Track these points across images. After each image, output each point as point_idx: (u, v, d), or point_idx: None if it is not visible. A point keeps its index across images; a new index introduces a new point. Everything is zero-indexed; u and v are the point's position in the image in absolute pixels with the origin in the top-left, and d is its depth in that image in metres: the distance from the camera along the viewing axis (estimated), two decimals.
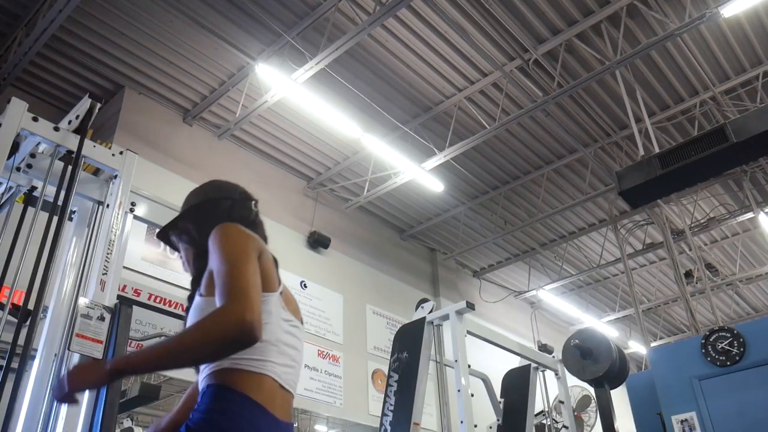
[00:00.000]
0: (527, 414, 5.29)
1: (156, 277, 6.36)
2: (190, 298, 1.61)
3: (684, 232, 9.09)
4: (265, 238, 1.71)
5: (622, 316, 12.49)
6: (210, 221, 1.61)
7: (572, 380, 5.87)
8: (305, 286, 8.03)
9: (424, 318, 4.72)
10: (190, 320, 1.53)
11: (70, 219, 2.81)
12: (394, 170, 8.25)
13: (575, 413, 6.20)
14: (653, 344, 10.77)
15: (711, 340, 5.06)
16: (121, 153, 2.84)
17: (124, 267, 2.81)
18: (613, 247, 10.45)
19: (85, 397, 2.39)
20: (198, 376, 1.52)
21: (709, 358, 5.00)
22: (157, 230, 1.83)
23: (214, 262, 1.46)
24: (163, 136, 7.31)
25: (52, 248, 2.41)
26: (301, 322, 1.64)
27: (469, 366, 4.45)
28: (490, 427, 6.21)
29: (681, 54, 7.35)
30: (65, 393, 1.39)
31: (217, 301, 1.37)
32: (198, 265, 1.65)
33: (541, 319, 12.36)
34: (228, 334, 1.28)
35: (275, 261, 1.62)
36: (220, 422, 1.31)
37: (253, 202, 1.78)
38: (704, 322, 11.48)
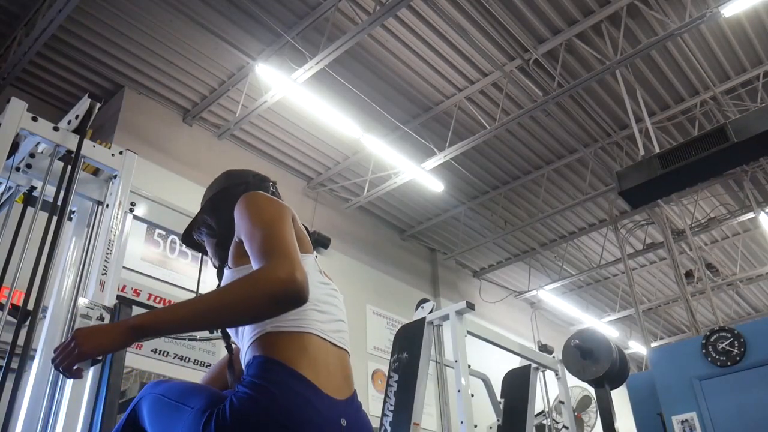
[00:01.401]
0: (527, 414, 5.29)
1: (156, 278, 6.35)
2: (220, 278, 1.60)
3: (684, 232, 9.08)
4: None
5: (623, 317, 12.48)
6: (226, 208, 1.61)
7: (572, 380, 5.86)
8: None
9: (424, 318, 4.72)
10: None
11: (70, 219, 2.80)
12: (394, 170, 8.25)
13: (575, 413, 6.20)
14: (653, 344, 10.76)
15: (711, 340, 5.06)
16: (120, 153, 2.84)
17: (124, 267, 2.80)
18: (613, 247, 10.44)
19: (85, 397, 2.38)
20: (237, 343, 1.48)
21: (709, 359, 5.00)
22: (181, 237, 1.85)
23: (244, 230, 1.39)
24: (162, 136, 7.30)
25: (51, 248, 2.40)
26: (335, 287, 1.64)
27: (469, 366, 4.45)
28: (490, 428, 6.21)
29: (681, 54, 7.35)
30: (72, 359, 1.24)
31: (255, 264, 1.29)
32: (220, 254, 1.66)
33: (541, 319, 12.36)
34: (278, 291, 1.20)
35: (306, 229, 1.65)
36: (267, 402, 1.22)
37: (271, 183, 1.76)
38: (705, 322, 11.47)
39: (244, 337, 1.40)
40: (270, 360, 1.29)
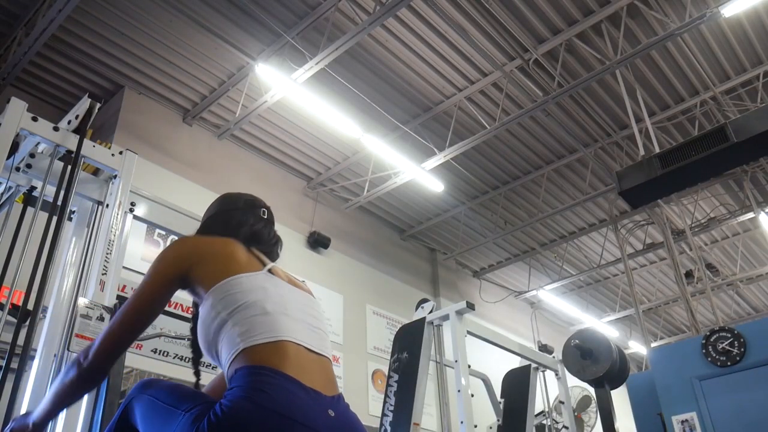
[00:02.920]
0: (527, 414, 5.29)
1: None
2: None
3: (684, 232, 9.08)
4: (271, 244, 1.77)
5: (623, 317, 12.48)
6: (216, 233, 1.72)
7: (572, 380, 5.86)
8: None
9: (424, 318, 4.72)
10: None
11: (70, 219, 2.81)
12: (394, 170, 8.25)
13: (575, 414, 6.20)
14: (653, 344, 10.77)
15: (711, 340, 5.06)
16: (120, 153, 2.84)
17: (124, 267, 2.80)
18: (613, 247, 10.45)
19: (85, 397, 2.39)
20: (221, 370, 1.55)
21: (709, 359, 5.00)
22: None
23: None
24: (162, 136, 7.30)
25: (51, 248, 2.40)
26: (311, 294, 1.70)
27: (469, 366, 4.45)
28: (490, 428, 6.22)
29: (681, 54, 7.35)
30: None
31: None
32: None
33: (541, 319, 12.36)
34: (67, 365, 1.50)
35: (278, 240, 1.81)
36: (257, 398, 1.27)
37: (262, 210, 1.83)
38: (705, 322, 11.48)
39: (221, 361, 1.46)
40: (253, 367, 1.35)
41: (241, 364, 1.36)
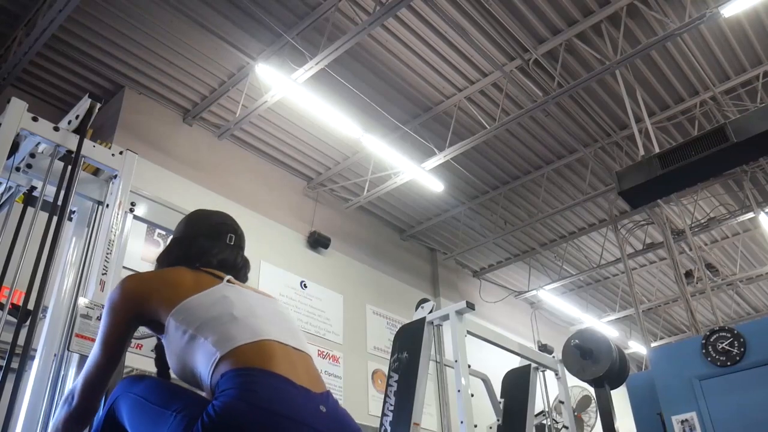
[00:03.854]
0: (527, 414, 5.29)
1: None
2: None
3: (684, 232, 9.08)
4: (236, 269, 1.76)
5: (623, 316, 12.48)
6: (177, 255, 1.75)
7: (572, 380, 5.86)
8: (305, 286, 8.03)
9: (424, 318, 4.72)
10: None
11: (70, 219, 2.81)
12: (394, 170, 8.25)
13: (575, 413, 6.20)
14: (653, 344, 10.77)
15: (711, 340, 5.05)
16: (121, 153, 2.84)
17: (124, 267, 2.80)
18: (613, 247, 10.45)
19: None
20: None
21: (709, 359, 4.99)
22: None
23: None
24: (163, 136, 7.30)
25: (51, 248, 2.40)
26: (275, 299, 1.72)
27: (469, 366, 4.45)
28: (490, 428, 6.21)
29: (681, 54, 7.35)
30: None
31: None
32: None
33: (541, 319, 12.36)
34: (61, 404, 1.59)
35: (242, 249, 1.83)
36: (249, 397, 1.27)
37: (228, 236, 1.81)
38: (704, 322, 11.48)
39: (200, 379, 1.45)
40: (239, 369, 1.33)
41: (226, 368, 1.35)
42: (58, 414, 1.59)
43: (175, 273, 1.61)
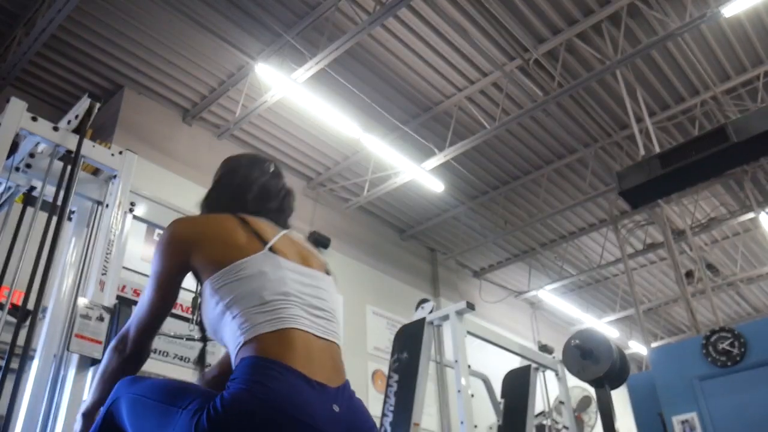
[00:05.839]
0: (527, 414, 5.29)
1: None
2: None
3: (685, 232, 9.07)
4: (280, 198, 1.73)
5: (623, 317, 12.48)
6: (216, 199, 1.73)
7: (573, 381, 5.86)
8: None
9: (424, 318, 4.72)
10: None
11: (70, 219, 2.80)
12: (394, 170, 8.25)
13: (576, 414, 6.19)
14: (654, 344, 10.75)
15: (712, 340, 5.06)
16: (120, 153, 2.84)
17: (124, 267, 2.80)
18: (613, 247, 10.44)
19: (85, 397, 2.39)
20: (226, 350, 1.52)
21: (709, 359, 5.00)
22: None
23: None
24: (162, 135, 7.30)
25: (51, 248, 2.40)
26: (327, 272, 1.63)
27: (469, 366, 4.45)
28: (491, 428, 6.21)
29: (682, 54, 7.34)
30: None
31: None
32: None
33: (542, 320, 12.36)
34: (107, 354, 1.55)
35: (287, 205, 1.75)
36: (259, 392, 1.23)
37: (267, 164, 1.77)
38: (705, 322, 11.46)
39: (228, 346, 1.43)
40: (256, 358, 1.30)
41: (246, 354, 1.33)
42: (106, 364, 1.54)
43: (221, 225, 1.54)
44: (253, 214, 1.62)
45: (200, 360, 1.69)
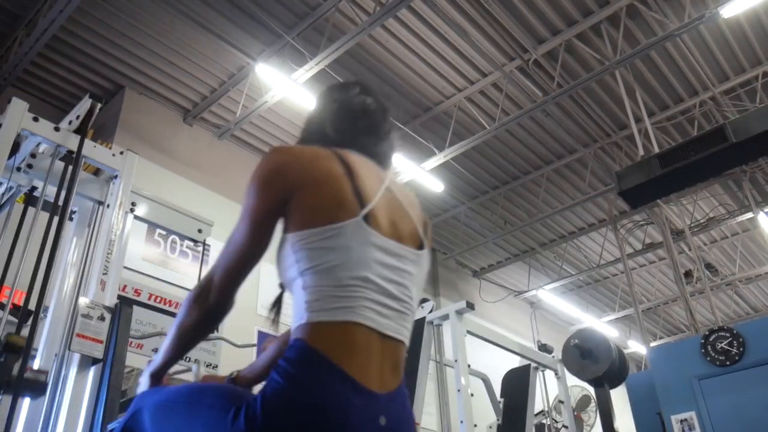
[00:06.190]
0: (527, 414, 5.30)
1: (156, 277, 6.36)
2: None
3: (684, 232, 9.09)
4: (381, 122, 1.52)
5: (622, 316, 12.49)
6: (306, 141, 1.51)
7: (572, 380, 5.87)
8: None
9: (424, 318, 4.73)
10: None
11: (71, 219, 2.82)
12: (394, 170, 8.25)
13: (575, 413, 6.21)
14: (653, 344, 10.77)
15: (710, 340, 5.06)
16: (121, 153, 2.85)
17: (125, 267, 2.82)
18: (612, 247, 10.45)
19: (86, 397, 2.40)
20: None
21: (708, 358, 5.00)
22: None
23: None
24: (163, 136, 7.31)
25: (52, 248, 2.41)
26: (420, 247, 1.39)
27: (469, 366, 4.46)
28: (490, 427, 6.22)
29: (680, 54, 7.36)
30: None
31: None
32: None
33: (541, 319, 12.36)
34: (185, 307, 1.31)
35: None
36: (301, 400, 1.13)
37: (356, 89, 1.55)
38: (704, 322, 11.48)
39: (293, 311, 1.29)
40: (309, 349, 1.19)
41: (303, 335, 1.21)
42: (182, 319, 1.33)
43: (328, 170, 1.31)
44: (348, 146, 1.43)
45: (275, 305, 1.46)
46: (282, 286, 1.40)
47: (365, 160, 1.42)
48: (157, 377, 1.43)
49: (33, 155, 2.72)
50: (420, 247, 1.40)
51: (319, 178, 1.30)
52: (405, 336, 1.31)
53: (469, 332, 4.71)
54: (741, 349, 4.90)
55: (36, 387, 2.25)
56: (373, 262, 1.27)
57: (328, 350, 1.18)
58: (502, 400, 5.57)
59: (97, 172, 2.88)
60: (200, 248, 3.99)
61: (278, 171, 1.32)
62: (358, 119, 1.50)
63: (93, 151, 2.75)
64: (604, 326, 12.12)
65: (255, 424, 1.12)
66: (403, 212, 1.42)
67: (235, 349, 3.97)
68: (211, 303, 1.30)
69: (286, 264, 1.31)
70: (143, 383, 1.44)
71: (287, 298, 1.38)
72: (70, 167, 2.60)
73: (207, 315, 1.32)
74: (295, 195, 1.28)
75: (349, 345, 1.20)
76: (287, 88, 6.75)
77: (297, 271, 1.27)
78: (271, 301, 1.43)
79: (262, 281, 7.52)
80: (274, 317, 1.46)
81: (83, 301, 2.49)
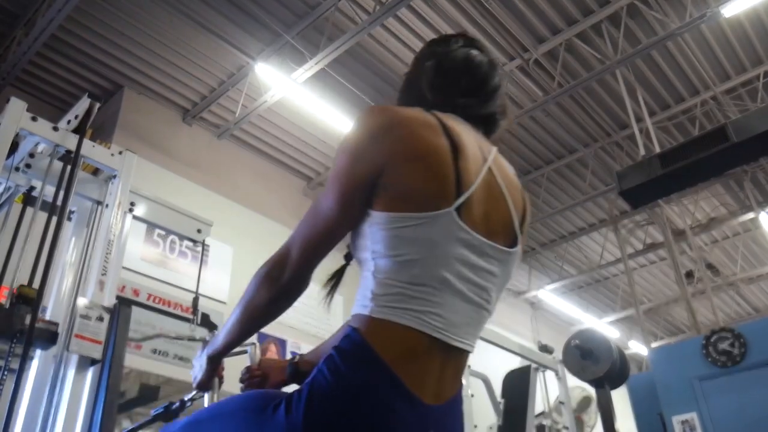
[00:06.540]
0: (527, 415, 5.28)
1: (155, 278, 6.35)
2: None
3: (685, 232, 9.08)
4: (481, 91, 1.32)
5: (623, 317, 12.48)
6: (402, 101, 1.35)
7: (573, 381, 5.86)
8: None
9: None
10: None
11: (69, 219, 2.80)
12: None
13: (576, 414, 6.19)
14: (654, 345, 10.76)
15: (712, 340, 5.05)
16: (120, 153, 2.84)
17: (123, 267, 2.80)
18: (613, 248, 10.44)
19: (84, 397, 2.39)
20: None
21: (709, 359, 4.99)
22: None
23: None
24: (162, 135, 7.29)
25: (51, 248, 2.40)
26: (512, 243, 1.21)
27: (469, 366, 4.44)
28: (491, 428, 6.20)
29: (682, 54, 7.34)
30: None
31: None
32: None
33: (542, 320, 12.35)
34: (255, 285, 1.16)
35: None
36: (346, 404, 1.02)
37: (446, 45, 1.35)
38: (705, 322, 11.47)
39: (358, 291, 1.18)
40: (365, 346, 1.07)
41: (360, 326, 1.10)
42: (251, 297, 1.18)
43: (426, 141, 1.12)
44: (447, 109, 1.25)
45: (334, 278, 1.34)
46: (348, 258, 1.28)
47: (468, 129, 1.23)
48: (216, 361, 1.32)
49: (31, 155, 2.71)
50: (512, 243, 1.22)
51: (420, 153, 1.11)
52: (473, 344, 1.19)
53: None
54: (742, 349, 4.89)
55: (47, 337, 2.30)
56: (456, 260, 1.11)
57: (385, 352, 1.06)
58: (502, 401, 5.55)
59: (95, 171, 2.86)
60: (199, 248, 3.98)
61: (376, 136, 1.14)
62: (460, 76, 1.31)
63: (92, 150, 2.74)
64: (604, 327, 12.12)
65: (295, 422, 1.02)
66: (501, 200, 1.22)
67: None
68: (285, 280, 1.15)
69: (360, 242, 1.17)
70: (199, 366, 1.34)
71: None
72: (69, 167, 2.59)
73: (280, 293, 1.16)
74: (389, 168, 1.10)
75: (409, 351, 1.07)
76: (287, 88, 6.75)
77: (370, 254, 1.13)
78: (330, 273, 1.30)
79: None
80: (330, 290, 1.33)
81: (82, 301, 2.47)
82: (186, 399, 1.62)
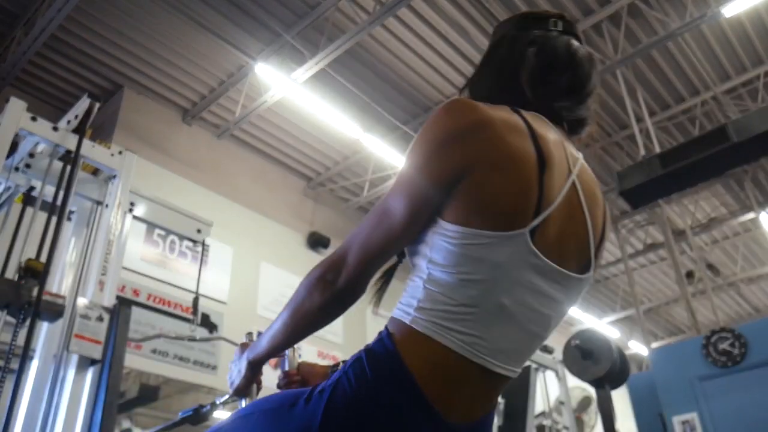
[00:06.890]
0: (527, 415, 5.28)
1: (155, 278, 6.34)
2: None
3: (685, 232, 9.08)
4: (575, 93, 1.16)
5: (623, 317, 12.47)
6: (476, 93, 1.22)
7: (573, 381, 5.85)
8: None
9: None
10: None
11: (69, 219, 2.80)
12: (394, 170, 8.24)
13: (576, 414, 6.19)
14: (654, 345, 10.75)
15: (712, 340, 5.05)
16: (120, 153, 2.83)
17: (123, 267, 2.80)
18: (613, 247, 10.43)
19: (84, 397, 2.38)
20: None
21: (710, 359, 4.99)
22: None
23: None
24: (162, 135, 7.29)
25: (50, 248, 2.39)
26: (584, 269, 1.08)
27: None
28: None
29: (682, 53, 7.34)
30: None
31: None
32: None
33: None
34: (306, 288, 1.06)
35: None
36: (364, 418, 0.96)
37: (552, 21, 1.17)
38: (705, 322, 11.46)
39: (404, 294, 1.09)
40: (396, 357, 0.98)
41: (396, 333, 1.02)
42: (300, 301, 1.08)
43: (515, 147, 1.00)
44: (536, 108, 1.11)
45: (384, 277, 1.25)
46: (401, 257, 1.17)
47: (554, 133, 1.09)
48: (257, 366, 1.22)
49: (31, 155, 2.71)
50: (585, 268, 1.10)
51: (506, 161, 0.98)
52: (518, 369, 1.08)
53: None
54: (743, 350, 4.89)
55: (53, 309, 2.34)
56: (520, 286, 1.00)
57: (416, 368, 0.97)
58: (502, 401, 5.55)
59: (95, 171, 2.86)
60: (199, 248, 3.98)
61: (461, 136, 1.02)
62: (563, 72, 1.14)
63: (91, 150, 2.74)
64: (605, 327, 12.11)
65: (312, 420, 0.97)
66: (580, 221, 1.09)
67: (234, 350, 3.95)
68: (340, 284, 1.06)
69: (417, 246, 1.05)
70: (237, 371, 1.24)
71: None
72: (69, 167, 2.58)
73: (333, 299, 1.06)
74: (471, 174, 0.98)
75: (443, 372, 0.98)
76: (287, 88, 6.74)
77: (426, 262, 1.02)
78: (379, 274, 1.17)
79: (262, 281, 7.51)
80: (379, 290, 1.23)
81: (81, 301, 2.47)
82: (218, 402, 1.57)
